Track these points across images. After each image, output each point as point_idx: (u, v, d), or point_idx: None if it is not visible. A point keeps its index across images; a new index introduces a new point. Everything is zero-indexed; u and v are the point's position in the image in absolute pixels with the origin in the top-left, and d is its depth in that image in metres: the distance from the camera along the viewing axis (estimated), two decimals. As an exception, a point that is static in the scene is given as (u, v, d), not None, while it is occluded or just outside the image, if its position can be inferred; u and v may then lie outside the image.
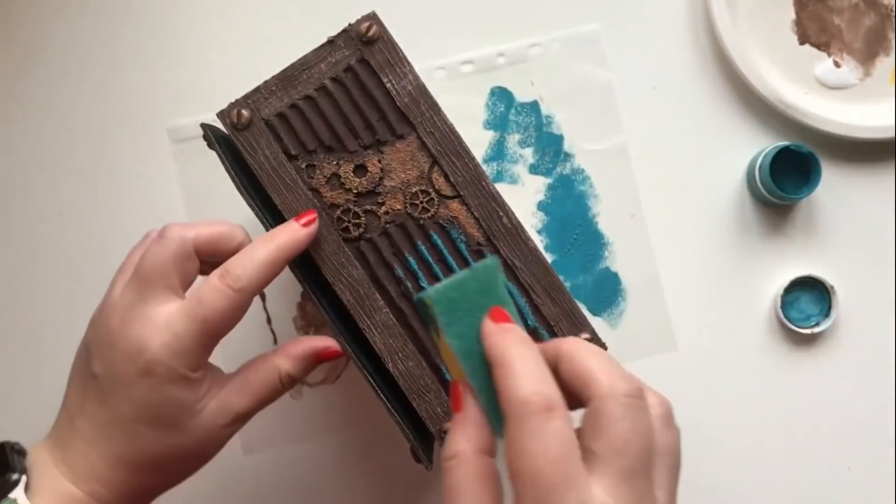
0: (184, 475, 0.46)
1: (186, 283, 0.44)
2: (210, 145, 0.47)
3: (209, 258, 0.45)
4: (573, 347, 0.36)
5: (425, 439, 0.48)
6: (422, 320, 0.45)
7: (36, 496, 0.41)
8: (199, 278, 0.46)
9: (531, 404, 0.32)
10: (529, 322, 0.47)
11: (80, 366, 0.45)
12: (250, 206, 0.46)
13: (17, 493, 0.40)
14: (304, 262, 0.47)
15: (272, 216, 0.47)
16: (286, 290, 0.63)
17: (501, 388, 0.34)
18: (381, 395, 0.46)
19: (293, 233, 0.44)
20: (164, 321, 0.42)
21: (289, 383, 0.45)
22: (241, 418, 0.45)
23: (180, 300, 0.43)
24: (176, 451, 0.44)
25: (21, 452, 0.43)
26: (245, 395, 0.44)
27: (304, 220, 0.45)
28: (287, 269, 0.45)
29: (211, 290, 0.42)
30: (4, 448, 0.43)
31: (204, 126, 0.47)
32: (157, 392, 0.42)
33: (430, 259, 0.47)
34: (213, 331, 0.42)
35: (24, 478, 0.41)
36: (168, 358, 0.41)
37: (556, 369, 0.35)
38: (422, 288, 0.47)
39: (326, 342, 0.46)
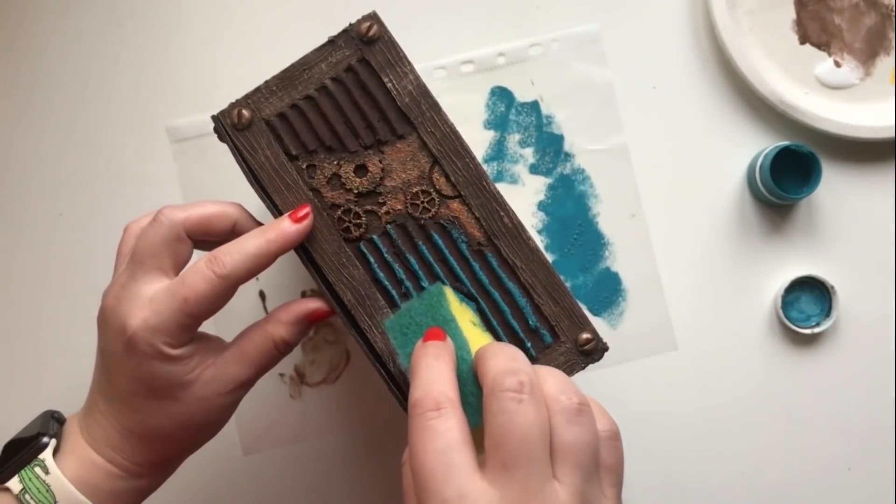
0: (196, 443, 0.48)
1: (178, 265, 0.45)
2: (221, 137, 0.47)
3: (205, 238, 0.46)
4: (482, 350, 0.39)
5: None
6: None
7: (63, 459, 0.44)
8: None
9: (420, 405, 0.36)
10: (531, 322, 0.47)
11: (98, 342, 0.47)
12: (261, 198, 0.47)
13: (46, 455, 0.44)
14: (312, 259, 0.47)
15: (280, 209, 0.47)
16: (286, 290, 0.62)
17: (408, 399, 0.37)
18: (391, 385, 0.46)
19: (282, 230, 0.45)
20: (148, 299, 0.43)
21: (284, 348, 0.47)
22: (242, 386, 0.46)
23: (169, 280, 0.44)
24: (179, 420, 0.45)
25: (60, 420, 0.47)
26: (242, 364, 0.46)
27: (296, 217, 0.45)
28: (289, 270, 0.46)
29: (195, 272, 0.43)
30: (46, 415, 0.47)
31: (215, 118, 0.47)
32: (143, 366, 0.43)
33: (430, 259, 0.47)
34: (193, 311, 0.43)
35: (53, 441, 0.45)
36: (147, 334, 0.43)
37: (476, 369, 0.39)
38: (422, 288, 0.47)
39: (315, 304, 0.47)
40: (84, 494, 0.44)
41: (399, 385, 0.47)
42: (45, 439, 0.45)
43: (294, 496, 0.63)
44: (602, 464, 0.37)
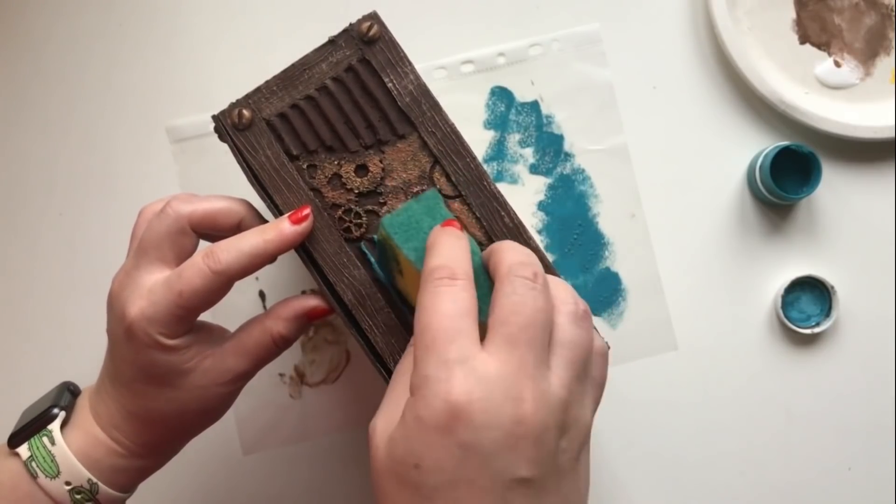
0: (195, 429, 0.49)
1: (181, 257, 0.46)
2: (221, 137, 0.47)
3: (210, 232, 0.47)
4: (498, 244, 0.41)
5: None
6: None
7: (70, 431, 0.46)
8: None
9: (436, 271, 0.37)
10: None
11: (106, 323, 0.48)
12: (262, 197, 0.47)
13: (55, 426, 0.46)
14: (313, 259, 0.47)
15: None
16: (286, 290, 0.62)
17: (424, 267, 0.39)
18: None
19: (281, 230, 0.45)
20: (147, 289, 0.44)
21: (282, 344, 0.47)
22: (240, 378, 0.47)
23: (170, 271, 0.45)
24: (177, 407, 0.46)
25: (74, 393, 0.49)
26: (240, 356, 0.46)
27: (296, 218, 0.45)
28: (289, 270, 0.46)
29: (192, 266, 0.44)
30: (62, 387, 0.49)
31: (215, 118, 0.47)
32: (141, 354, 0.44)
33: (431, 259, 0.47)
34: (188, 304, 0.43)
35: (62, 413, 0.46)
36: (144, 323, 0.43)
37: (487, 264, 0.40)
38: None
39: (314, 301, 0.48)
40: (86, 467, 0.45)
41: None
42: (56, 411, 0.46)
43: (294, 496, 0.63)
44: (589, 374, 0.39)
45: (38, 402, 0.48)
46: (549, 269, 0.47)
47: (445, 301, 0.36)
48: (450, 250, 0.39)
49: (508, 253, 0.39)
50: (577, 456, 0.37)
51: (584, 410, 0.38)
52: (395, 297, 0.47)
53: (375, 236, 0.46)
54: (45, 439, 0.45)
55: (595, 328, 0.41)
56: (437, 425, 0.34)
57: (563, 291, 0.39)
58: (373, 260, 0.47)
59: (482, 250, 0.41)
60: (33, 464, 0.45)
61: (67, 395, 0.48)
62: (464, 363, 0.35)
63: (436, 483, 0.34)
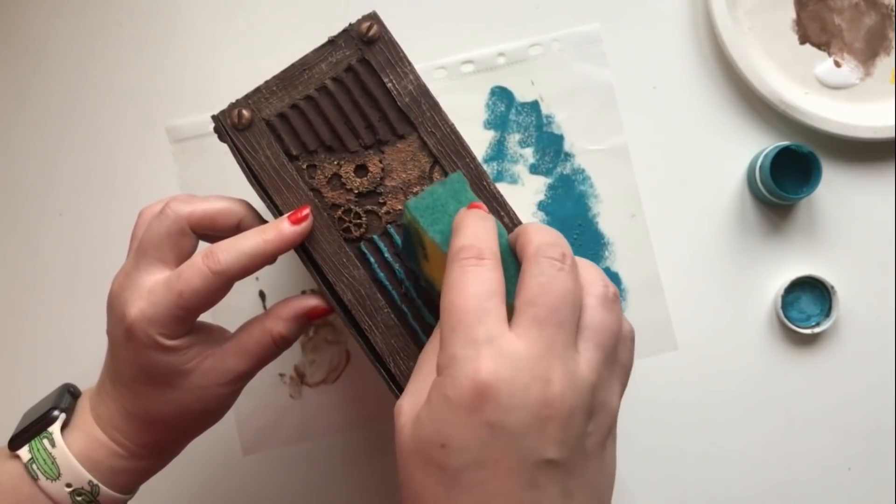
0: (196, 430, 0.49)
1: (180, 257, 0.46)
2: (221, 137, 0.47)
3: (210, 233, 0.47)
4: (525, 226, 0.40)
5: None
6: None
7: (70, 433, 0.46)
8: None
9: (463, 251, 0.37)
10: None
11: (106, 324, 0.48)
12: (261, 198, 0.47)
13: (55, 429, 0.46)
14: (312, 259, 0.47)
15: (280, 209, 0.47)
16: (286, 290, 0.62)
17: (450, 247, 0.38)
18: (392, 385, 0.46)
19: (280, 230, 0.45)
20: (147, 290, 0.44)
21: (282, 344, 0.47)
22: (240, 378, 0.47)
23: (169, 272, 0.45)
24: (177, 407, 0.46)
25: (74, 394, 0.49)
26: (240, 357, 0.46)
27: (295, 218, 0.45)
28: (289, 270, 0.46)
29: (191, 267, 0.44)
30: (62, 388, 0.49)
31: (215, 118, 0.47)
32: (141, 355, 0.44)
33: (431, 259, 0.47)
34: (188, 305, 0.43)
35: (62, 415, 0.46)
36: (144, 324, 0.43)
37: (514, 246, 0.40)
38: (423, 288, 0.47)
39: (314, 301, 0.48)
40: (87, 469, 0.45)
41: (399, 385, 0.47)
42: (56, 413, 0.46)
43: (294, 496, 0.63)
44: (617, 358, 0.38)
45: (39, 404, 0.48)
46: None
47: (472, 280, 0.36)
48: (476, 230, 0.38)
49: (537, 234, 0.38)
50: (603, 441, 0.37)
51: (612, 395, 0.37)
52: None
53: (401, 221, 0.45)
54: (45, 441, 0.45)
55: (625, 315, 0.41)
56: (464, 404, 0.34)
57: (592, 273, 0.39)
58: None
59: (508, 233, 0.41)
60: (34, 466, 0.45)
61: (68, 396, 0.48)
62: (491, 343, 0.34)
63: (462, 463, 0.34)
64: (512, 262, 0.39)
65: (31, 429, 0.46)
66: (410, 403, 0.37)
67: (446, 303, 0.36)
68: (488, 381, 0.34)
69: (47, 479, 0.44)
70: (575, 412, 0.35)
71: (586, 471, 0.36)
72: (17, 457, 0.45)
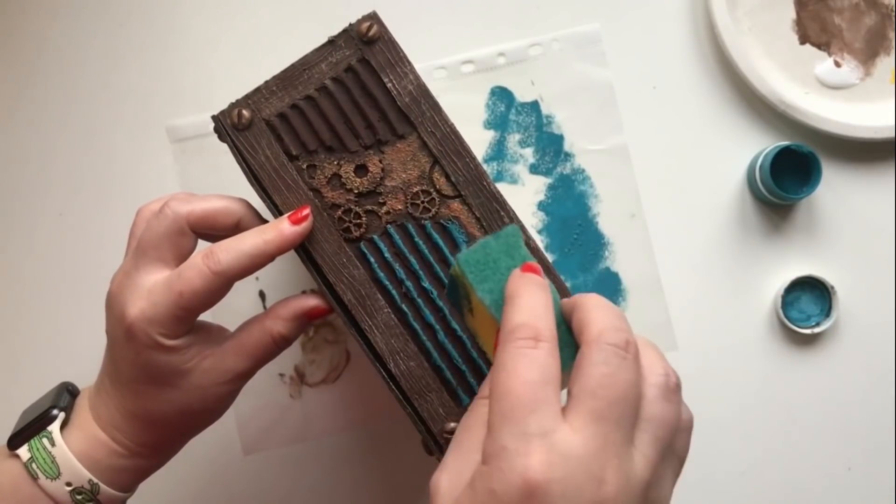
0: (195, 428, 0.49)
1: (180, 257, 0.46)
2: (221, 137, 0.47)
3: (209, 232, 0.47)
4: (585, 299, 0.37)
5: (431, 434, 0.48)
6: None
7: (70, 432, 0.46)
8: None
9: (519, 330, 0.35)
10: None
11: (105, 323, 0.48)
12: (261, 198, 0.47)
13: (54, 427, 0.46)
14: (312, 259, 0.47)
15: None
16: (286, 290, 0.62)
17: (503, 320, 0.36)
18: (392, 385, 0.46)
19: (280, 230, 0.45)
20: (147, 289, 0.44)
21: (282, 343, 0.47)
22: (239, 378, 0.47)
23: (169, 271, 0.45)
24: (178, 406, 0.46)
25: (73, 393, 0.49)
26: (240, 356, 0.46)
27: (295, 218, 0.45)
28: (289, 270, 0.46)
29: (192, 267, 0.44)
30: (61, 387, 0.49)
31: (215, 118, 0.47)
32: (141, 355, 0.44)
33: (431, 259, 0.47)
34: (188, 305, 0.43)
35: (62, 414, 0.46)
36: (144, 324, 0.43)
37: (570, 320, 0.37)
38: (424, 288, 0.47)
39: (314, 301, 0.48)
40: (86, 468, 0.45)
41: (399, 385, 0.47)
42: (55, 412, 0.46)
43: (294, 496, 0.63)
44: (674, 450, 0.37)
45: (37, 403, 0.48)
46: (549, 269, 0.47)
47: (528, 366, 0.34)
48: (533, 306, 0.36)
49: (598, 312, 0.36)
50: None
51: (665, 490, 0.36)
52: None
53: (450, 270, 0.42)
54: (45, 440, 0.45)
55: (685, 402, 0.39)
56: (511, 502, 0.32)
57: (652, 360, 0.36)
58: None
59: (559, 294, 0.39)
60: (34, 465, 0.45)
61: (66, 395, 0.48)
62: (544, 437, 0.32)
63: None
64: (564, 331, 0.37)
65: (31, 428, 0.46)
66: (449, 483, 0.35)
67: (498, 387, 0.34)
68: (539, 480, 0.32)
69: (47, 478, 0.44)
70: None
71: None
72: (17, 456, 0.45)
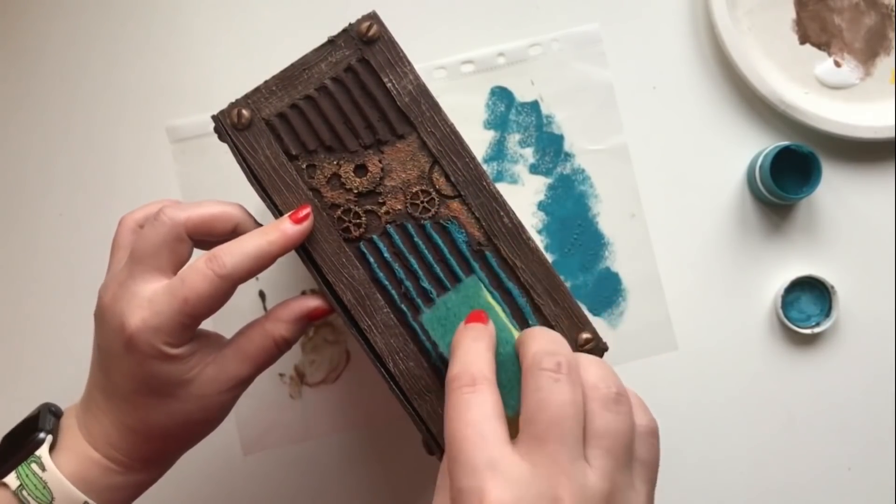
0: (195, 439, 0.48)
1: (177, 264, 0.45)
2: (221, 137, 0.47)
3: (206, 238, 0.46)
4: (524, 333, 0.40)
5: (431, 433, 0.48)
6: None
7: (59, 455, 0.44)
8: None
9: (457, 379, 0.37)
10: (530, 322, 0.47)
11: (94, 337, 0.46)
12: (261, 198, 0.47)
13: (43, 451, 0.44)
14: (312, 259, 0.47)
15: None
16: (286, 290, 0.62)
17: (447, 374, 0.38)
18: (392, 385, 0.46)
19: (283, 230, 0.45)
20: (147, 298, 0.43)
21: (284, 346, 0.47)
22: (241, 383, 0.46)
23: (168, 279, 0.44)
24: (179, 417, 0.45)
25: (56, 414, 0.47)
26: (241, 362, 0.46)
27: (297, 217, 0.45)
28: (289, 270, 0.46)
29: (195, 272, 0.43)
30: (41, 409, 0.46)
31: (215, 118, 0.47)
32: (143, 366, 0.43)
33: (430, 259, 0.47)
34: (193, 311, 0.43)
35: (49, 437, 0.44)
36: (147, 334, 0.42)
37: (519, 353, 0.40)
38: (423, 288, 0.47)
39: (315, 302, 0.47)
40: (81, 490, 0.44)
41: (399, 385, 0.47)
42: (42, 435, 0.44)
43: (294, 496, 0.63)
44: (636, 457, 0.38)
45: (18, 427, 0.46)
46: (548, 269, 0.47)
47: (467, 408, 0.36)
48: (467, 354, 0.39)
49: (532, 341, 0.38)
50: None
51: (634, 497, 0.37)
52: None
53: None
54: (34, 466, 0.43)
55: (643, 405, 0.40)
56: None
57: (593, 375, 0.38)
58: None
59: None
60: (24, 492, 0.43)
61: (50, 417, 0.46)
62: (494, 468, 0.34)
63: None
64: (518, 369, 0.39)
65: (17, 454, 0.44)
66: None
67: (447, 433, 0.36)
68: None
69: None
70: None
71: None
72: (5, 485, 0.43)
